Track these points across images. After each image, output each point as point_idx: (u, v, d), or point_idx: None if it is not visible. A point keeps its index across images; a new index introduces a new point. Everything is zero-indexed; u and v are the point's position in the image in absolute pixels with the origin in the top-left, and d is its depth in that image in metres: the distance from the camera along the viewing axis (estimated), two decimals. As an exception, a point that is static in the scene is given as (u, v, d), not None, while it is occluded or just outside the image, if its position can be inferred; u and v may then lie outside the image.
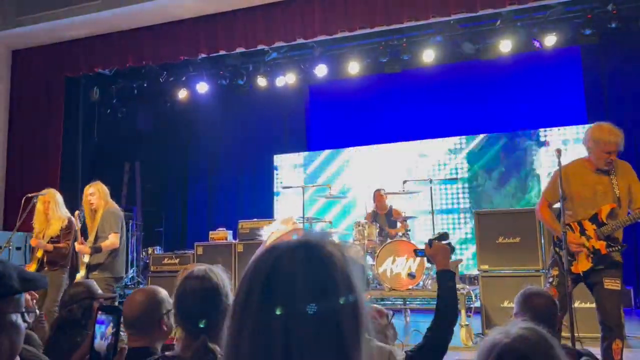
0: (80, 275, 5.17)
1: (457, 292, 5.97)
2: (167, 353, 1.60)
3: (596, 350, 2.35)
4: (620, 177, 3.62)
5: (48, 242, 5.25)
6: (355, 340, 0.79)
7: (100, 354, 0.98)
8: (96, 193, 5.31)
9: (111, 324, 1.00)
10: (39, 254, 5.29)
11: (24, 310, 1.06)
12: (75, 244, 5.22)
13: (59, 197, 5.51)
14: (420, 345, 1.95)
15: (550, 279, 3.78)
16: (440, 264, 2.10)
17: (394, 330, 2.18)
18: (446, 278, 2.07)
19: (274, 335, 0.75)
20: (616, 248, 3.58)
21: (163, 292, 2.14)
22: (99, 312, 1.01)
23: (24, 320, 1.06)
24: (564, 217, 3.64)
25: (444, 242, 2.17)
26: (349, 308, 0.79)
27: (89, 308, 2.54)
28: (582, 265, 3.65)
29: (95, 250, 5.15)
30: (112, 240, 5.20)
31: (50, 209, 5.37)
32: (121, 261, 5.41)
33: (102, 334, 0.99)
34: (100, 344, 0.98)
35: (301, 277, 0.78)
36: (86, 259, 5.18)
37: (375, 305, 2.43)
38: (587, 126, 8.61)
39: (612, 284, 3.47)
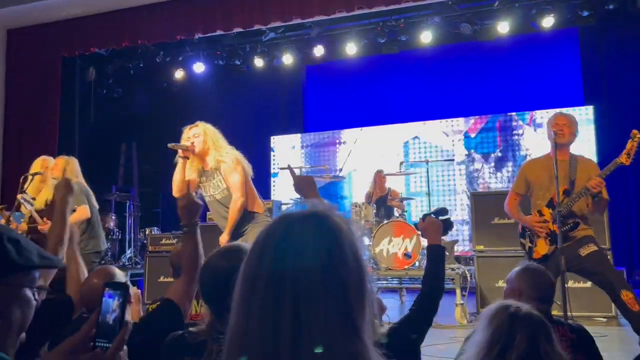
0: None
1: (453, 271, 6.01)
2: (191, 329, 1.63)
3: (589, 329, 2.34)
4: (581, 169, 3.73)
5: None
6: (359, 306, 0.82)
7: (107, 327, 1.01)
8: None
9: (117, 298, 1.03)
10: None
11: (36, 286, 1.09)
12: (39, 226, 4.67)
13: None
14: (405, 318, 1.95)
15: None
16: (431, 238, 2.10)
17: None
18: (434, 253, 2.06)
19: (284, 295, 0.79)
20: (568, 226, 3.64)
21: (118, 272, 2.16)
22: (106, 288, 1.04)
23: (34, 298, 1.09)
24: (558, 202, 3.66)
25: (442, 217, 2.15)
26: (354, 272, 0.83)
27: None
28: (542, 249, 3.78)
29: None
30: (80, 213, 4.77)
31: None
32: (99, 234, 5.11)
33: (109, 308, 1.02)
34: (107, 318, 1.01)
35: (311, 243, 0.82)
36: None
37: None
38: (583, 107, 8.75)
39: (587, 249, 3.57)
